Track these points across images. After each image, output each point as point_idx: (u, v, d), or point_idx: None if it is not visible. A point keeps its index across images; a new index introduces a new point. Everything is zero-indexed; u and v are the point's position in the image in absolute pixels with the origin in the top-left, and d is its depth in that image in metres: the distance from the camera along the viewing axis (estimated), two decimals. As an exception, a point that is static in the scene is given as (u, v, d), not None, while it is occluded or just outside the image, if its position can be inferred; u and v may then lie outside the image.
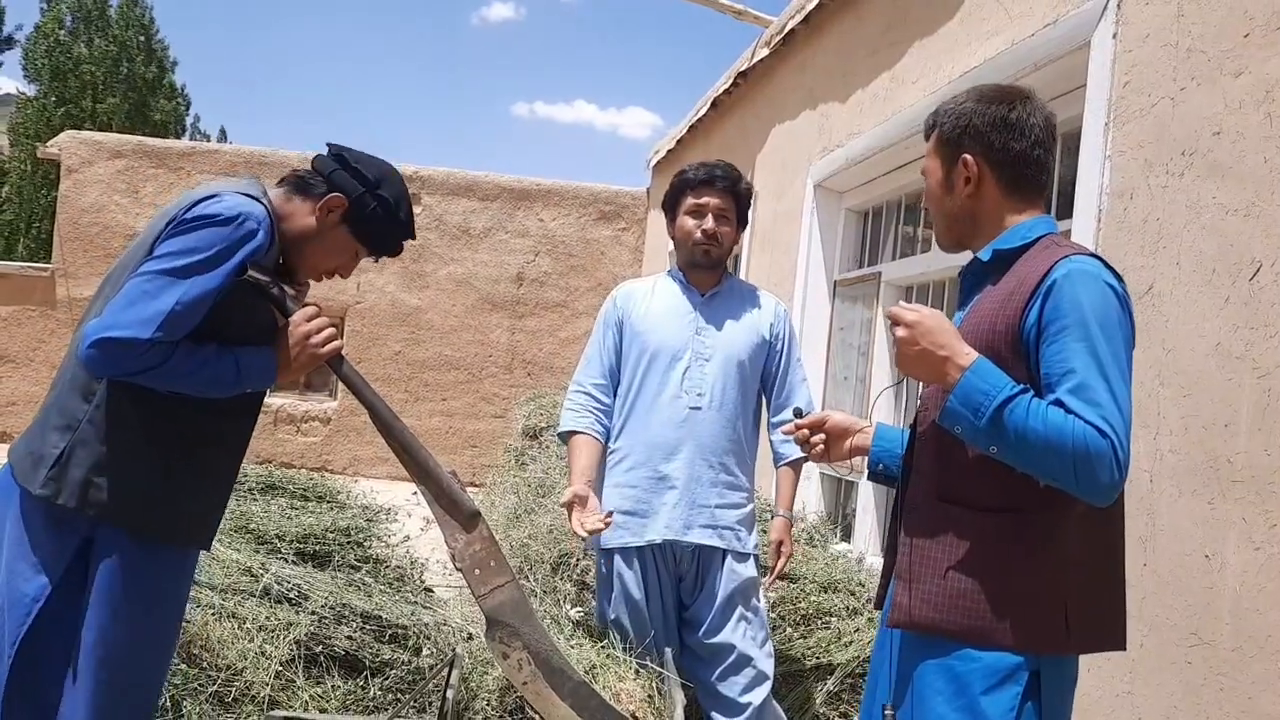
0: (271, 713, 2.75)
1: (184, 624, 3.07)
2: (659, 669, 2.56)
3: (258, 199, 1.99)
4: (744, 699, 2.87)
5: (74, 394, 1.90)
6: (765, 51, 6.09)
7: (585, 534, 2.75)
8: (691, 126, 8.08)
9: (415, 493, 2.44)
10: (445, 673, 2.50)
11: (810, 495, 5.15)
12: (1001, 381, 1.63)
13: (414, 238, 2.29)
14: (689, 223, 2.97)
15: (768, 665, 2.92)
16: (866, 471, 2.06)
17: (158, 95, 23.22)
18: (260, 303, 2.01)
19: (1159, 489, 2.45)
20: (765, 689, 2.90)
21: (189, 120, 25.29)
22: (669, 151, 8.94)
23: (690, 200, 2.97)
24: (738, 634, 2.89)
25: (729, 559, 2.91)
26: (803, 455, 2.31)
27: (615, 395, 3.04)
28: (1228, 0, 2.40)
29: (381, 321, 10.57)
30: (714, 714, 2.91)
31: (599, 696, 2.16)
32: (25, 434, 1.98)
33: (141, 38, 22.88)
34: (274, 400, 10.68)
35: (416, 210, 10.64)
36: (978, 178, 1.84)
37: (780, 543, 3.04)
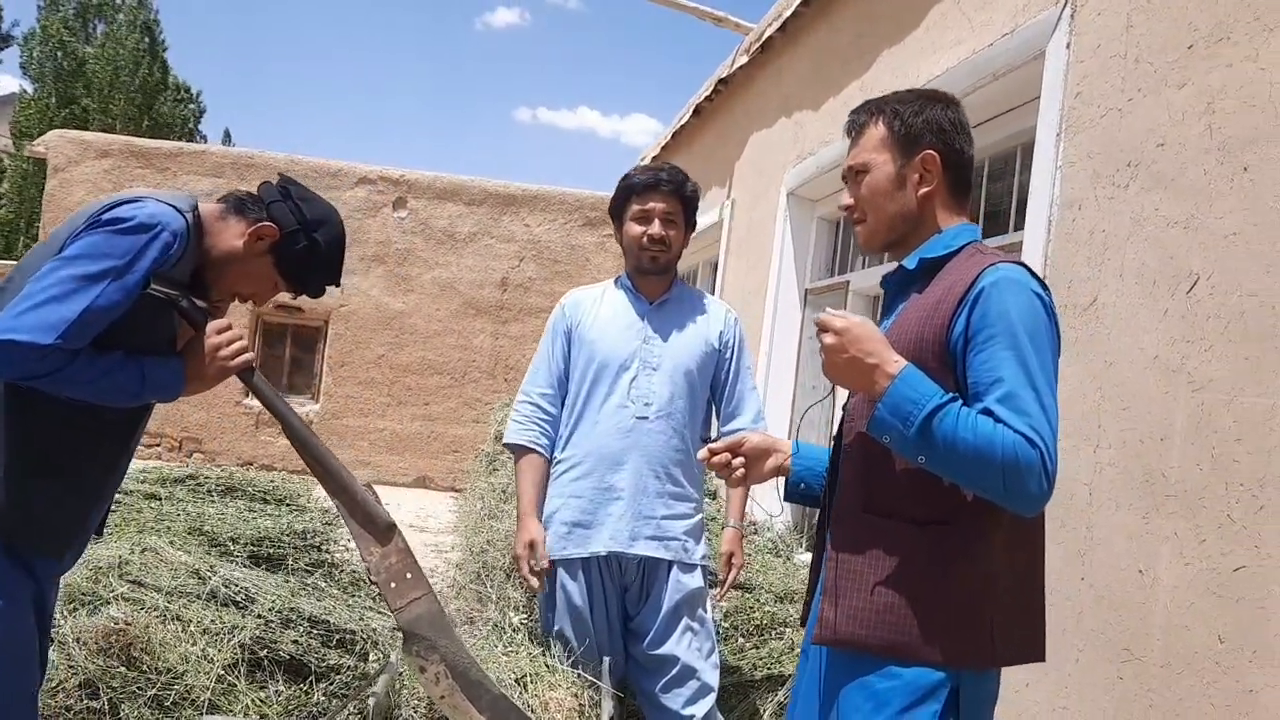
0: (206, 717, 2.72)
1: (125, 626, 3.04)
2: (592, 679, 2.52)
3: (181, 211, 1.94)
4: (687, 711, 2.83)
5: None
6: (744, 59, 6.08)
7: (535, 586, 2.78)
8: (675, 134, 8.07)
9: (333, 501, 2.39)
10: (375, 680, 2.47)
11: (777, 505, 5.12)
12: (931, 390, 1.60)
13: (338, 285, 2.25)
14: (635, 229, 2.93)
15: (712, 677, 2.89)
16: (783, 492, 2.02)
17: (164, 97, 23.27)
18: (166, 314, 1.97)
19: (1097, 502, 2.43)
20: (709, 701, 2.86)
21: (199, 123, 25.40)
22: (654, 159, 8.92)
23: (636, 206, 2.93)
24: (682, 645, 2.86)
25: (675, 570, 2.88)
26: None
27: (563, 404, 3.01)
28: (1173, 11, 2.39)
29: (365, 325, 10.54)
30: None
31: (518, 709, 2.13)
32: None
33: (147, 40, 22.91)
34: (255, 402, 10.64)
35: (401, 215, 10.66)
36: (936, 177, 1.80)
37: (731, 554, 3.02)
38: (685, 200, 2.96)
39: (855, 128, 1.89)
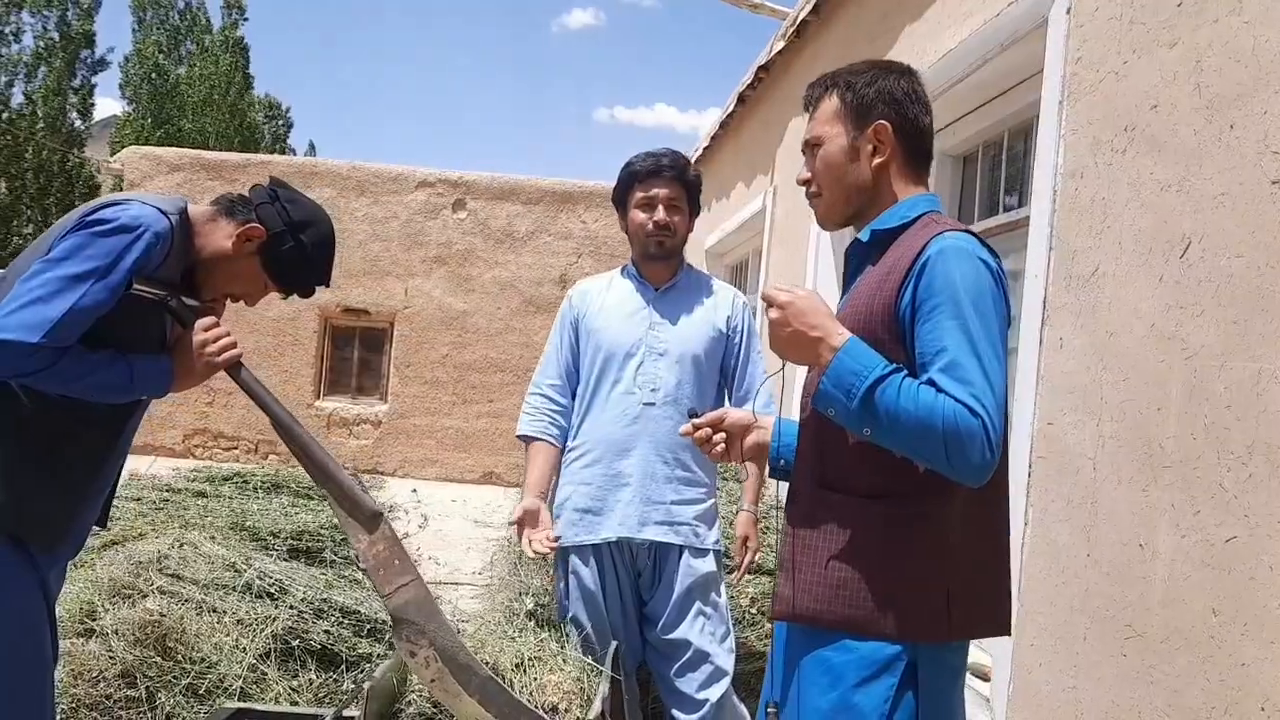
0: (224, 703, 2.81)
1: (161, 617, 3.15)
2: (591, 662, 2.55)
3: (166, 213, 2.01)
4: (701, 695, 2.84)
5: None
6: (781, 44, 6.04)
7: (532, 554, 2.80)
8: (722, 123, 8.04)
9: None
10: (383, 665, 2.53)
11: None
12: (873, 361, 1.59)
13: (327, 285, 2.30)
14: (640, 215, 2.95)
15: (727, 661, 2.89)
16: (768, 468, 2.02)
17: (253, 113, 23.98)
18: (156, 314, 2.04)
19: (1101, 477, 2.37)
20: (724, 685, 2.87)
21: (288, 137, 26.16)
22: (704, 149, 8.91)
23: (639, 193, 2.95)
24: (695, 629, 2.87)
25: (686, 554, 2.89)
26: None
27: (573, 394, 3.04)
28: (1164, -31, 2.31)
29: (429, 326, 10.73)
30: (674, 710, 2.89)
31: (507, 692, 2.16)
32: None
33: (237, 58, 23.60)
34: (326, 404, 10.92)
35: (461, 216, 10.82)
36: (890, 147, 1.79)
37: (745, 538, 3.02)
38: (688, 185, 2.97)
39: (811, 102, 1.88)
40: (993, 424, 1.53)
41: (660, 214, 2.93)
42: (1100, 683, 2.31)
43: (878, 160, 1.79)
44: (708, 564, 2.92)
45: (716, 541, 2.97)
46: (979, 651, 3.13)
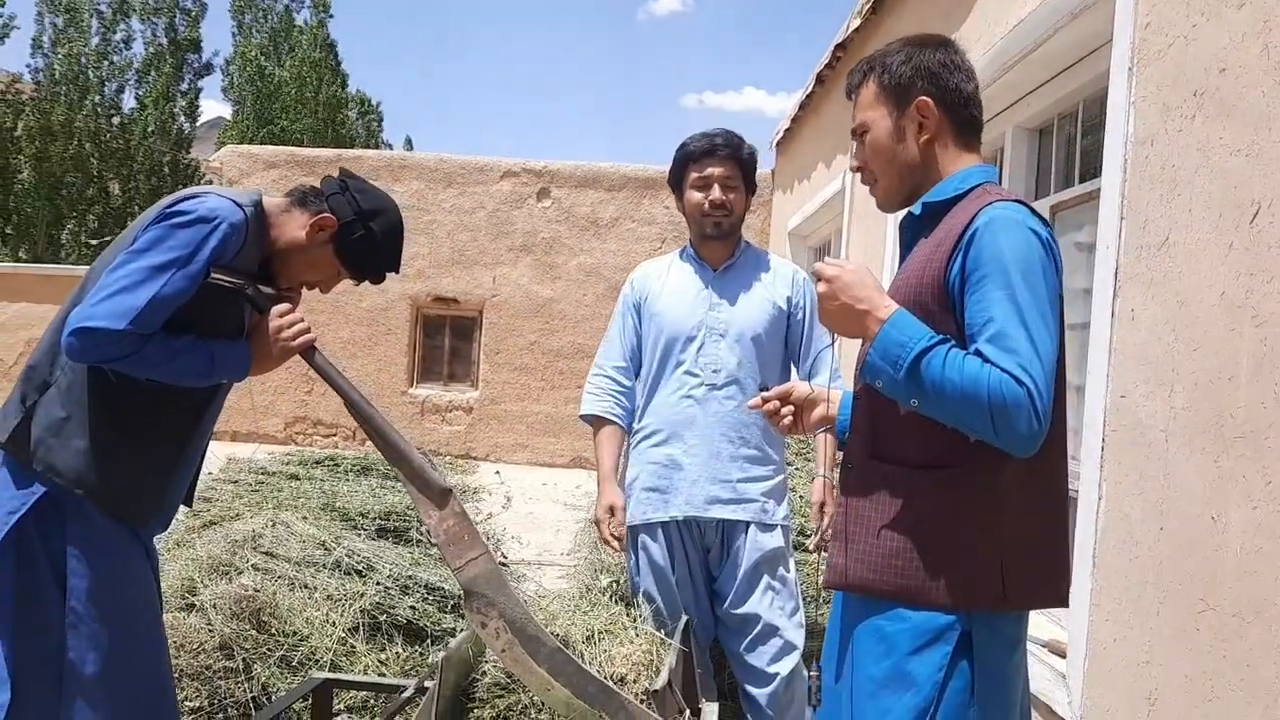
0: (314, 673, 2.95)
1: (256, 593, 3.31)
2: (661, 635, 2.61)
3: (241, 205, 2.11)
4: (771, 669, 2.88)
5: (47, 359, 2.06)
6: (858, 21, 5.98)
7: (616, 548, 2.90)
8: (801, 104, 8.00)
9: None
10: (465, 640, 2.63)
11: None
12: (920, 332, 1.61)
13: (397, 271, 2.38)
14: (696, 195, 2.98)
15: (797, 635, 2.92)
16: (837, 441, 2.05)
17: (346, 110, 24.56)
18: (234, 302, 2.15)
19: (1173, 449, 2.33)
20: (794, 658, 2.90)
21: (381, 132, 26.72)
22: (786, 130, 8.86)
23: (694, 174, 2.98)
24: (764, 604, 2.91)
25: (753, 530, 2.93)
26: None
27: (637, 375, 3.10)
28: (1233, -73, 2.25)
29: (517, 313, 10.91)
30: (745, 685, 2.94)
31: (575, 662, 2.23)
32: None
33: (332, 58, 24.18)
34: (419, 391, 11.20)
35: (545, 204, 10.96)
36: (935, 121, 1.80)
37: (822, 504, 3.02)
38: (743, 163, 2.99)
39: (851, 89, 1.90)
40: (1040, 393, 1.53)
41: (716, 193, 2.95)
42: (1174, 657, 2.28)
43: (925, 137, 1.80)
44: (775, 539, 2.95)
45: (786, 517, 3.00)
46: (1056, 628, 3.10)
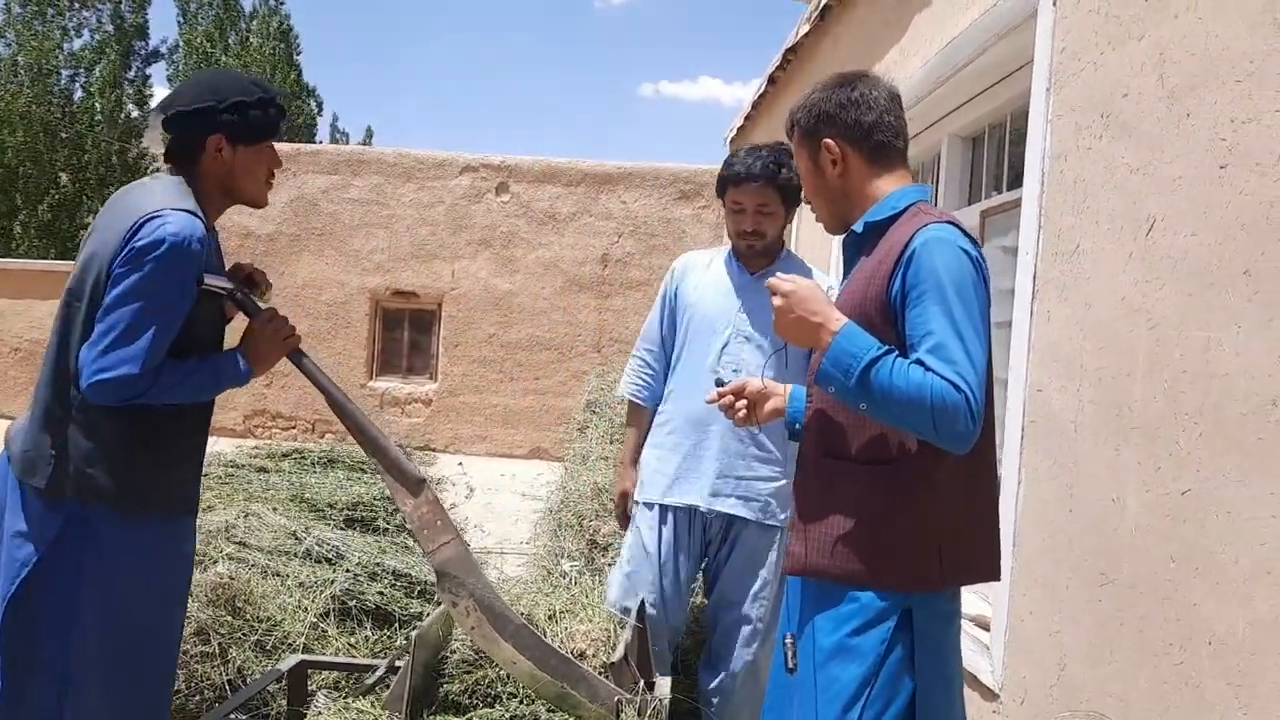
0: (288, 656, 3.11)
1: (230, 581, 3.47)
2: (618, 614, 2.81)
3: (192, 212, 2.17)
4: (740, 651, 3.06)
5: (54, 398, 2.17)
6: (806, 27, 6.20)
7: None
8: (754, 103, 8.21)
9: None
10: (435, 618, 2.81)
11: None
12: (868, 343, 1.82)
13: (282, 110, 2.36)
14: (732, 219, 3.15)
15: (771, 627, 3.10)
16: (788, 432, 2.26)
17: (300, 99, 24.26)
18: (217, 302, 2.29)
19: (1081, 439, 2.57)
20: (763, 647, 3.08)
21: (328, 120, 26.29)
22: (739, 129, 9.08)
23: (732, 196, 3.11)
24: (748, 597, 3.09)
25: (753, 527, 3.10)
26: None
27: (668, 360, 3.27)
28: (1135, -35, 2.48)
29: (475, 306, 11.05)
30: (718, 664, 3.12)
31: (538, 638, 2.43)
32: (21, 428, 2.23)
33: (282, 46, 23.87)
34: (378, 384, 11.30)
35: (504, 199, 11.11)
36: (841, 156, 2.03)
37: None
38: (781, 188, 3.08)
39: (787, 134, 2.15)
40: (975, 398, 1.75)
41: (747, 223, 3.10)
42: (1079, 627, 2.52)
43: (838, 171, 2.04)
44: (772, 539, 3.12)
45: (785, 519, 3.17)
46: (982, 603, 3.34)
